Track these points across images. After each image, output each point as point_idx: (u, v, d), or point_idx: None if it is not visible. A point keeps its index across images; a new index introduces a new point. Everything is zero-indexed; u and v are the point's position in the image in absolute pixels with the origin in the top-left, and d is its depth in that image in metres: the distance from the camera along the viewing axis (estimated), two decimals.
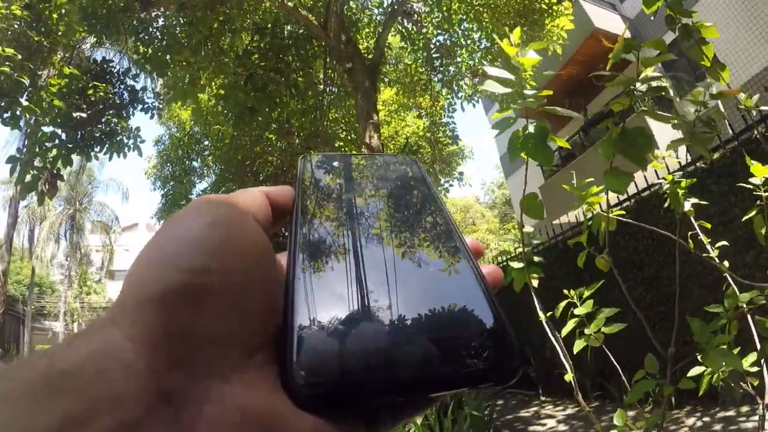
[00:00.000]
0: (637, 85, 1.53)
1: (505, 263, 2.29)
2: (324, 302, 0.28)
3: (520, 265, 2.19)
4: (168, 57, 6.74)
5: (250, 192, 0.35)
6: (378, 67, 7.22)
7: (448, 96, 10.54)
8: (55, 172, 6.44)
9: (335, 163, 0.42)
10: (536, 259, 2.19)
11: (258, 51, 7.46)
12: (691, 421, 4.76)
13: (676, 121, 1.69)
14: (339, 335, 0.26)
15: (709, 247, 2.17)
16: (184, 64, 6.68)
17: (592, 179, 2.21)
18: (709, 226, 2.27)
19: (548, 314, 2.13)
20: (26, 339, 27.00)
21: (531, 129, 1.53)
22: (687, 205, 2.17)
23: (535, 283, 2.14)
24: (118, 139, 7.23)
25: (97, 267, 36.94)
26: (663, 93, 1.62)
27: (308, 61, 8.19)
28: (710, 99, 1.73)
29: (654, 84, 1.53)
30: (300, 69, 7.98)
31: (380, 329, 0.26)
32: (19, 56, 5.64)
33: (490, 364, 0.26)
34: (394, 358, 0.25)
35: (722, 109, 2.11)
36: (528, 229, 2.11)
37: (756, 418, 4.16)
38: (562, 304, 2.17)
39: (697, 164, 4.93)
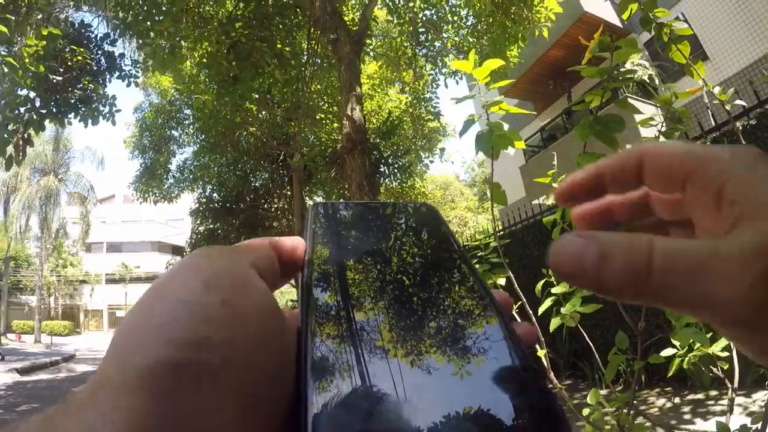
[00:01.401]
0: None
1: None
2: (343, 381, 0.24)
3: (485, 268, 2.25)
4: (148, 24, 6.54)
5: (255, 243, 0.31)
6: (363, 39, 7.11)
7: (432, 71, 10.49)
8: (25, 136, 6.25)
9: (349, 213, 0.38)
10: (504, 260, 2.24)
11: (241, 19, 7.31)
12: (660, 402, 4.90)
13: (645, 119, 1.74)
14: (361, 423, 0.22)
15: None
16: (165, 33, 6.50)
17: (571, 164, 2.25)
18: None
19: (519, 304, 2.17)
20: (2, 315, 26.74)
21: (490, 126, 1.65)
22: None
23: (502, 282, 2.20)
24: (93, 106, 7.03)
25: (73, 239, 36.43)
26: (648, 80, 1.65)
27: (292, 31, 8.05)
28: (676, 98, 1.78)
29: (627, 76, 1.60)
30: (284, 38, 7.85)
31: (411, 417, 0.23)
32: None
33: None
34: None
35: (706, 99, 2.14)
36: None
37: (724, 402, 4.30)
38: (540, 283, 2.20)
39: None
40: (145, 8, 6.58)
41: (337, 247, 0.34)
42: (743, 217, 0.24)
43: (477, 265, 2.26)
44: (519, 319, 2.18)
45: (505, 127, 1.61)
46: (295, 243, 0.33)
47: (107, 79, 7.48)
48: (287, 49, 7.66)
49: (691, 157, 0.27)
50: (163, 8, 6.54)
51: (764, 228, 0.22)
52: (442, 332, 0.28)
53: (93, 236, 36.09)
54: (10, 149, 6.07)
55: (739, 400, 4.03)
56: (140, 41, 6.68)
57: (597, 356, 2.25)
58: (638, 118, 1.80)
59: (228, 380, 0.22)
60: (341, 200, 0.40)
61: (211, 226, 13.43)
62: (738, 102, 2.03)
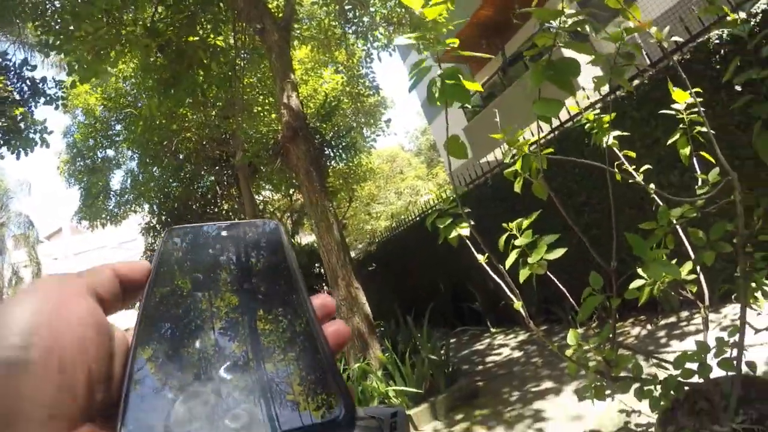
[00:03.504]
0: (559, 21, 1.61)
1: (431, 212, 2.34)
2: (160, 376, 0.30)
3: (447, 221, 2.28)
4: (68, 33, 6.19)
5: (96, 270, 0.37)
6: (290, 25, 6.96)
7: (364, 47, 10.41)
8: None
9: (196, 236, 0.43)
10: (464, 210, 2.26)
11: (164, 20, 7.05)
12: (636, 330, 5.13)
13: (596, 58, 1.77)
14: (169, 406, 0.28)
15: (634, 173, 2.32)
16: (87, 38, 6.14)
17: (512, 120, 2.30)
18: (633, 154, 2.42)
19: (486, 255, 2.22)
20: None
21: (444, 72, 1.64)
22: (609, 139, 2.29)
23: (465, 232, 2.23)
24: (24, 135, 6.71)
25: (27, 283, 34.70)
26: (579, 29, 1.69)
27: (217, 26, 7.83)
28: (627, 34, 1.83)
29: (574, 19, 1.62)
30: (211, 33, 7.63)
31: (210, 400, 0.28)
32: None
33: (318, 425, 0.28)
34: (221, 428, 0.27)
35: (638, 39, 2.22)
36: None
37: (696, 321, 4.53)
38: (503, 237, 2.26)
39: (617, 93, 5.14)
40: (64, 20, 6.24)
41: (175, 270, 0.39)
42: None
43: (438, 219, 2.30)
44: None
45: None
46: (137, 267, 0.38)
47: (33, 106, 7.12)
48: (220, 38, 7.44)
49: None
50: (82, 16, 6.21)
51: None
52: (256, 337, 0.33)
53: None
54: None
55: (710, 316, 4.28)
56: (63, 54, 6.32)
57: (570, 299, 2.34)
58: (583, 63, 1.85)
59: (45, 374, 0.28)
60: (195, 224, 0.44)
61: None
62: (674, 38, 2.13)
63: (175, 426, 0.26)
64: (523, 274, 2.11)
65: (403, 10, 8.94)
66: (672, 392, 2.09)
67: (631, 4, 1.76)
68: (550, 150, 2.39)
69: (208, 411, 0.27)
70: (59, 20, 6.28)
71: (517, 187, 2.33)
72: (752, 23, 3.80)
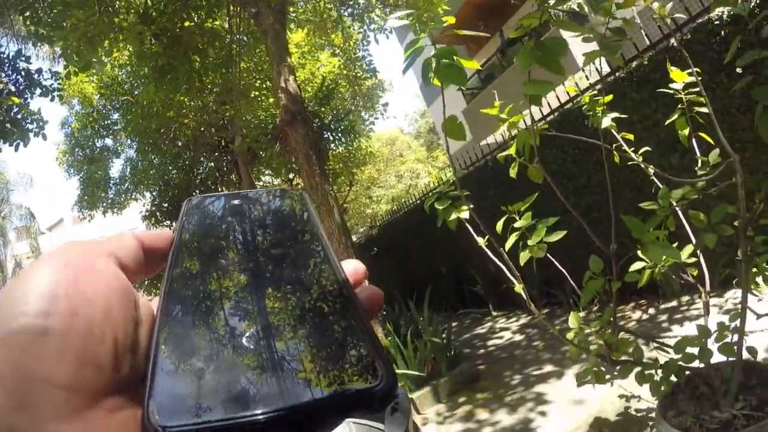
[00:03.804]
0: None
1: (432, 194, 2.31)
2: (188, 346, 0.28)
3: (446, 203, 2.25)
4: (60, 21, 6.11)
5: (119, 236, 0.35)
6: (285, 8, 6.86)
7: (360, 29, 10.30)
8: None
9: (218, 204, 0.42)
10: (463, 192, 2.23)
11: (156, 7, 6.97)
12: (637, 314, 5.14)
13: (586, 34, 1.73)
14: (199, 378, 0.26)
15: (633, 154, 2.29)
16: (79, 26, 6.07)
17: (512, 102, 2.26)
18: (632, 137, 2.38)
19: (486, 238, 2.20)
20: None
21: (438, 52, 1.61)
22: (606, 122, 2.26)
23: (465, 215, 2.21)
24: (21, 126, 6.63)
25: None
26: (577, 8, 1.65)
27: (212, 12, 7.74)
28: (617, 9, 1.79)
29: None
30: (207, 15, 7.55)
31: (243, 370, 0.27)
32: None
33: (357, 393, 0.26)
34: (254, 398, 0.25)
35: (638, 20, 2.18)
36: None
37: (697, 306, 4.51)
38: (502, 220, 2.24)
39: (617, 74, 5.08)
40: (56, 10, 6.16)
41: (199, 238, 0.37)
42: None
43: (437, 202, 2.28)
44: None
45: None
46: (160, 236, 0.37)
47: (29, 97, 7.05)
48: (217, 23, 7.35)
49: None
50: (73, 4, 6.12)
51: None
52: (286, 305, 0.32)
53: None
54: None
55: (711, 301, 4.27)
56: (54, 44, 6.24)
57: (571, 281, 2.32)
58: (576, 49, 1.81)
59: (68, 343, 0.26)
60: (217, 193, 0.43)
61: (167, 227, 13.08)
62: (678, 15, 2.08)
63: (205, 397, 0.25)
64: (523, 257, 2.10)
65: None
66: (673, 377, 2.08)
67: None
68: (545, 127, 2.36)
69: (239, 380, 0.26)
70: (50, 10, 6.19)
71: (513, 173, 2.30)
72: (752, 3, 3.73)
